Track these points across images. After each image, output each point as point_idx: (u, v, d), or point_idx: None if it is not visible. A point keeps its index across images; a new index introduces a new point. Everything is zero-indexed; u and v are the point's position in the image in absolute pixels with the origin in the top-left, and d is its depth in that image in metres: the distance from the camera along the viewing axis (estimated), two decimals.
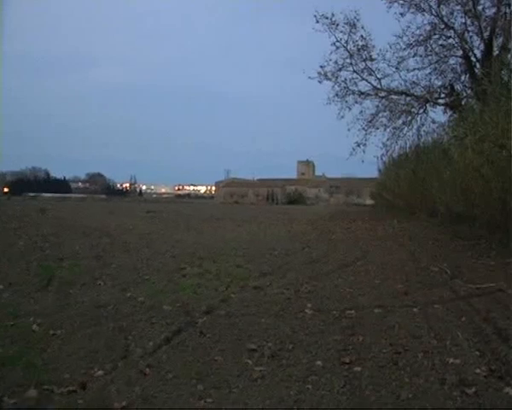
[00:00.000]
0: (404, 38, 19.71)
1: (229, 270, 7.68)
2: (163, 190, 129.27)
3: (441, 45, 19.76)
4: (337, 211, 37.20)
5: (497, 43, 17.86)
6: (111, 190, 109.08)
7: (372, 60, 20.77)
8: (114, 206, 40.01)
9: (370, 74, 21.02)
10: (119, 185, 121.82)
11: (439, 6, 18.68)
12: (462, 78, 20.18)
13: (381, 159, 27.06)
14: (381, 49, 20.61)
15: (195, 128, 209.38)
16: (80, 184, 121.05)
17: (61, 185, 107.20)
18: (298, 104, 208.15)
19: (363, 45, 20.67)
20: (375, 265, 8.34)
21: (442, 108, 20.93)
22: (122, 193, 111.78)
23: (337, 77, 21.19)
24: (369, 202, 56.62)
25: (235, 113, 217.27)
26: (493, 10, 17.64)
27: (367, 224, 19.09)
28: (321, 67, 21.01)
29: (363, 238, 13.11)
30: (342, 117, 21.74)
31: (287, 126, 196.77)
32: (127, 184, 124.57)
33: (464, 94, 19.69)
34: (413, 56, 20.11)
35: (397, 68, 20.43)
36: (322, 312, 5.12)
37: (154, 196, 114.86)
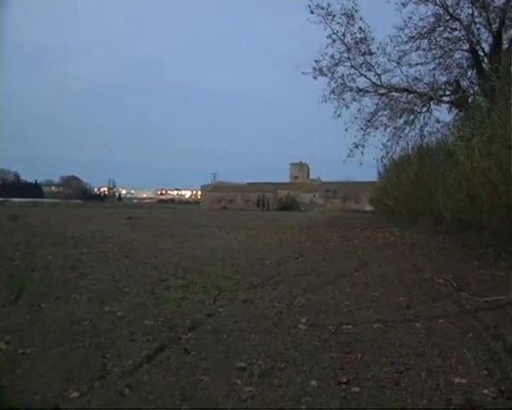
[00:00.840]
0: (406, 31, 19.76)
1: (216, 282, 7.67)
2: (144, 195, 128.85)
3: (446, 38, 19.83)
4: (333, 218, 37.40)
5: (507, 35, 17.99)
6: (87, 195, 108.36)
7: (371, 54, 20.82)
8: (91, 212, 39.81)
9: (369, 70, 21.08)
10: (96, 190, 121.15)
11: None
12: (469, 73, 20.30)
13: (381, 161, 27.08)
14: (380, 43, 20.65)
15: (180, 128, 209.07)
16: (54, 188, 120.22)
17: (33, 189, 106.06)
18: (291, 102, 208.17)
19: (361, 38, 20.68)
20: (375, 276, 8.39)
21: (447, 106, 21.10)
22: (100, 198, 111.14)
23: (333, 72, 21.22)
24: (368, 207, 56.80)
25: (222, 112, 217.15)
26: (503, 0, 17.73)
27: (366, 232, 19.18)
28: (316, 61, 20.99)
29: (361, 247, 13.16)
30: (339, 116, 21.75)
31: (278, 126, 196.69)
32: (105, 189, 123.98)
33: (471, 91, 19.79)
34: (415, 50, 20.14)
35: (398, 63, 20.52)
36: (317, 327, 5.13)
37: (135, 201, 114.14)
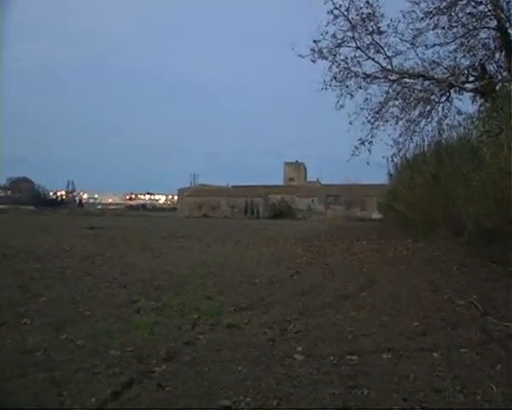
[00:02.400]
0: (422, 5, 19.67)
1: (195, 303, 7.66)
2: (110, 200, 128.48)
3: (470, 14, 19.76)
4: (335, 227, 37.45)
5: None
6: (41, 200, 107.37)
7: (380, 33, 20.74)
8: (46, 220, 39.56)
9: (378, 51, 21.00)
10: (52, 194, 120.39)
11: None
12: (497, 56, 20.23)
13: (392, 160, 26.72)
14: (391, 20, 20.53)
15: (152, 123, 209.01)
16: (0, 191, 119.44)
17: None
18: (285, 91, 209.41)
19: (368, 14, 20.62)
20: (384, 297, 8.41)
21: (470, 94, 21.01)
22: (56, 203, 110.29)
23: (335, 55, 21.09)
24: (376, 215, 57.05)
25: (204, 103, 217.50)
26: None
27: (373, 244, 19.24)
28: (314, 41, 20.90)
29: (368, 263, 13.20)
30: (342, 107, 21.62)
31: (270, 120, 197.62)
32: (63, 192, 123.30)
33: (499, 77, 19.81)
34: (433, 28, 20.00)
35: (412, 44, 20.41)
36: (316, 357, 5.13)
37: (99, 207, 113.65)
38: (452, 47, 20.27)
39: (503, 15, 18.75)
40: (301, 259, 14.26)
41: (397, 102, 21.90)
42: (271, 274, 10.94)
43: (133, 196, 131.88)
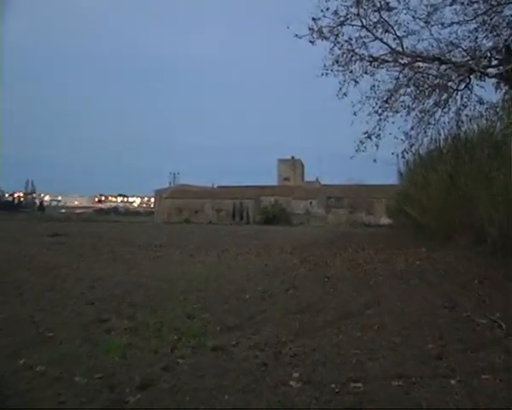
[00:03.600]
0: None
1: (175, 322, 7.66)
2: (76, 203, 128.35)
3: None
4: (337, 234, 37.40)
5: None
6: None
7: (390, 9, 20.67)
8: (1, 226, 39.34)
9: (387, 31, 20.98)
10: (7, 195, 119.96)
11: None
12: None
13: (403, 157, 26.58)
14: None
15: (125, 113, 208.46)
16: None
17: None
18: (280, 77, 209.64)
19: None
20: (394, 315, 8.43)
21: (493, 80, 21.04)
22: (13, 206, 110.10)
23: (338, 35, 21.03)
24: (384, 220, 57.16)
25: (185, 90, 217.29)
26: None
27: (381, 253, 19.25)
28: (313, 19, 20.86)
29: (375, 275, 13.21)
30: (345, 95, 21.57)
31: (263, 110, 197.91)
32: (20, 194, 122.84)
33: None
34: (450, 4, 19.95)
35: (426, 22, 20.44)
36: (315, 385, 5.14)
37: (63, 211, 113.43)
38: (473, 26, 20.25)
39: None
40: (298, 271, 14.26)
41: (408, 90, 21.92)
42: (263, 288, 10.95)
43: (103, 198, 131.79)
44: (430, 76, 21.63)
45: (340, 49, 20.96)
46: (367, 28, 20.72)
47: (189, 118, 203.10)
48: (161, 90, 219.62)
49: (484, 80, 20.87)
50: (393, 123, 21.63)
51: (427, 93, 21.85)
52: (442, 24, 20.26)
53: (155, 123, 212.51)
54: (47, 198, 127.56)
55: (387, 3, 20.21)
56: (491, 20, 19.88)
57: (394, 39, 20.74)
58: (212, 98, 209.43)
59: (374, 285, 11.54)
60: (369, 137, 21.10)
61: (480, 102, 21.25)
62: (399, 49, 20.82)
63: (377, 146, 21.06)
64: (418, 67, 21.48)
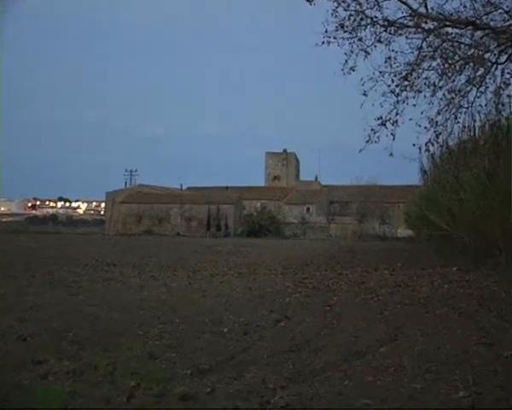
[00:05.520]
0: None
1: (133, 364, 7.65)
2: (2, 209, 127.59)
3: None
4: (343, 250, 37.50)
5: None
6: None
7: None
8: None
9: None
10: None
11: None
12: None
13: (427, 150, 26.30)
14: None
15: (64, 93, 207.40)
16: None
17: None
18: (270, 47, 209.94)
19: None
20: (415, 354, 8.46)
21: None
22: None
23: None
24: (403, 231, 57.40)
25: (144, 60, 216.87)
26: None
27: (399, 274, 19.32)
28: None
29: (391, 303, 13.26)
30: (352, 70, 21.40)
31: (246, 89, 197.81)
32: None
33: None
34: None
35: None
36: None
37: None
38: None
39: None
40: (291, 297, 14.28)
41: (434, 64, 21.69)
42: (247, 320, 10.96)
43: (38, 203, 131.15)
44: (462, 45, 21.47)
45: (345, 10, 20.62)
46: None
47: (151, 100, 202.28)
48: (121, 64, 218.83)
49: None
50: (415, 106, 21.31)
51: (457, 67, 21.56)
52: None
53: (106, 106, 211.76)
54: None
55: None
56: None
57: None
58: (180, 76, 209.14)
59: (389, 316, 11.59)
60: (384, 123, 20.84)
61: None
62: (422, 10, 20.56)
63: (394, 136, 20.82)
64: (446, 33, 21.21)
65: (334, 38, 20.68)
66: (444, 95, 21.56)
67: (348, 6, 20.50)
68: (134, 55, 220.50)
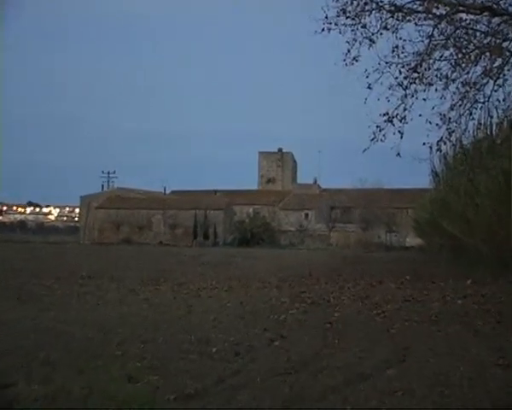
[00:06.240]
0: None
1: (110, 388, 7.61)
2: None
3: None
4: (345, 261, 37.50)
5: None
6: None
7: None
8: None
9: None
10: None
11: None
12: None
13: (439, 150, 26.23)
14: None
15: (35, 87, 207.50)
16: None
17: None
18: (262, 35, 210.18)
19: None
20: (425, 376, 8.44)
21: None
22: None
23: None
24: (412, 240, 57.43)
25: (124, 56, 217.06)
26: None
27: (408, 288, 19.33)
28: None
29: (398, 319, 13.25)
30: (355, 60, 21.40)
31: (238, 83, 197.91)
32: None
33: None
34: None
35: None
36: None
37: None
38: None
39: None
40: (287, 313, 14.27)
41: (447, 53, 21.63)
42: (237, 339, 10.94)
43: (4, 209, 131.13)
44: (477, 33, 21.44)
45: None
46: None
47: (131, 94, 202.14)
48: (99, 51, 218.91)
49: None
50: (425, 101, 21.26)
51: (472, 58, 21.47)
52: None
53: (82, 100, 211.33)
54: None
55: None
56: None
57: None
58: (164, 66, 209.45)
59: (397, 334, 11.58)
60: (391, 120, 20.70)
61: None
62: None
63: (402, 133, 20.64)
64: (460, 20, 21.15)
65: (336, 24, 20.61)
66: (457, 88, 21.42)
67: None
68: (113, 45, 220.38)
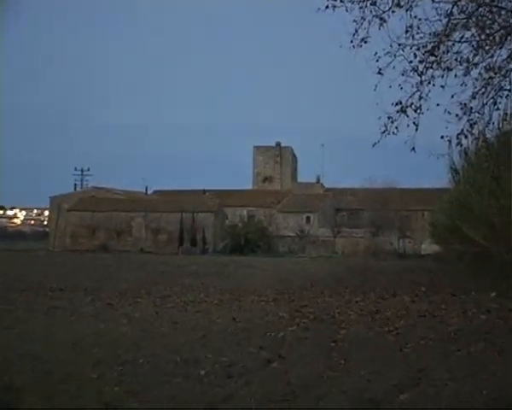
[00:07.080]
0: None
1: None
2: None
3: None
4: (353, 270, 37.55)
5: None
6: None
7: None
8: None
9: None
10: None
11: None
12: None
13: (459, 144, 26.13)
14: None
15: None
16: None
17: None
18: (259, 14, 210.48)
19: None
20: (443, 401, 8.45)
21: None
22: None
23: None
24: (428, 247, 57.46)
25: (102, 29, 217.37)
26: None
27: (424, 302, 19.33)
28: None
29: (413, 338, 13.25)
30: (364, 42, 21.24)
31: (230, 66, 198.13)
32: None
33: None
34: None
35: None
36: None
37: None
38: None
39: None
40: (286, 330, 14.26)
41: (468, 35, 21.63)
42: (230, 359, 10.93)
43: None
44: (503, 11, 21.37)
45: None
46: None
47: (108, 82, 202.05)
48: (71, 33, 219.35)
49: None
50: (443, 88, 21.26)
51: (497, 39, 21.33)
52: None
53: (52, 90, 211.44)
54: None
55: None
56: None
57: None
58: (149, 54, 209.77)
59: (411, 354, 11.57)
60: (404, 110, 20.60)
61: None
62: None
63: (417, 125, 20.58)
64: None
65: (341, 1, 20.51)
66: (480, 74, 21.29)
67: None
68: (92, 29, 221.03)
